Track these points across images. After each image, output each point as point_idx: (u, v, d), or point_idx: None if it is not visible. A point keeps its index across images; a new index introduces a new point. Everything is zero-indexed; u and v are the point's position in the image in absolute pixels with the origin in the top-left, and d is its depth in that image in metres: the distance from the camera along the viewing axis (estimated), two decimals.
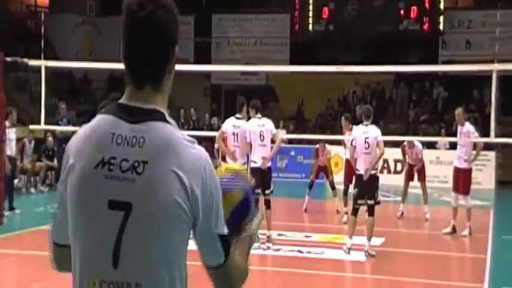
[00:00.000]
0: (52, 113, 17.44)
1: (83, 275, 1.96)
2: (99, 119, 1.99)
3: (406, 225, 13.34)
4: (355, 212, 9.92)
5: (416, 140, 15.27)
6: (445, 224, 12.22)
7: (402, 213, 13.63)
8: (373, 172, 9.83)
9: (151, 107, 1.97)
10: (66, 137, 16.32)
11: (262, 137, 10.17)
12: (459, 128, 12.08)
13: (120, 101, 2.01)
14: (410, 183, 13.80)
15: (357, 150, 9.91)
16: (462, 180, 11.95)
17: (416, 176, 13.72)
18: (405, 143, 13.75)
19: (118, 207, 1.90)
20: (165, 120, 1.97)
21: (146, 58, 2.00)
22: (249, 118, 10.50)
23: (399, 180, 19.70)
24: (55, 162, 17.25)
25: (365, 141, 9.81)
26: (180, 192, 1.90)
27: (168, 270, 1.96)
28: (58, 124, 15.64)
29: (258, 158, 10.14)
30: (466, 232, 11.78)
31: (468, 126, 11.88)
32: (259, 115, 10.39)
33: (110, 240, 1.91)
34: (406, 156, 13.84)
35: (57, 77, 24.49)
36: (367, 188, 9.79)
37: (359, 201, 9.87)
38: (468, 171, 12.01)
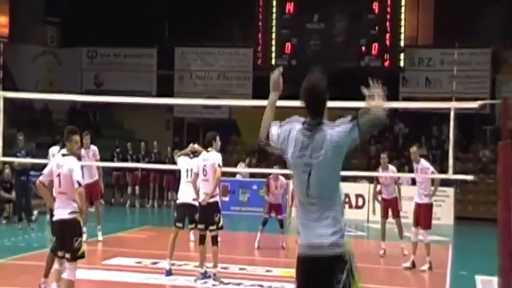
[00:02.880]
0: (11, 144, 17.17)
1: (300, 195, 4.33)
2: (296, 119, 4.51)
3: (365, 260, 13.34)
4: None
5: (378, 174, 15.46)
6: (405, 259, 12.29)
7: (384, 251, 13.52)
8: None
9: (320, 121, 4.38)
10: (24, 169, 16.04)
11: (205, 172, 10.02)
12: (415, 165, 12.31)
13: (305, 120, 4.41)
14: (374, 219, 13.79)
15: None
16: (423, 215, 12.13)
17: (390, 212, 13.61)
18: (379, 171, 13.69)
19: (308, 165, 4.27)
20: (325, 125, 4.36)
21: (316, 107, 4.46)
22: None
23: (360, 214, 19.94)
24: (13, 194, 16.91)
25: None
26: (335, 151, 4.28)
27: (333, 193, 4.29)
28: (16, 156, 15.38)
29: (200, 193, 10.04)
30: (425, 267, 11.88)
31: (423, 163, 12.14)
32: (209, 148, 10.22)
33: (305, 181, 4.29)
34: (380, 189, 13.75)
35: (17, 108, 24.20)
36: None
37: None
38: (429, 206, 12.22)
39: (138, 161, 22.34)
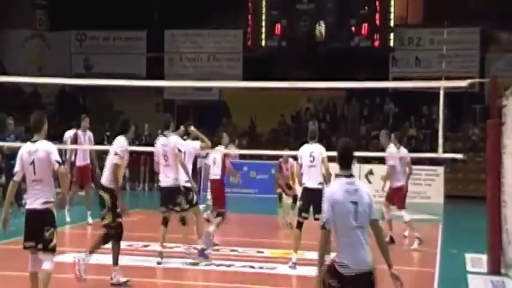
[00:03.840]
0: (1, 128, 17.07)
1: (346, 227, 5.29)
2: (337, 183, 5.45)
3: None
4: (299, 225, 9.99)
5: (368, 154, 15.56)
6: (398, 240, 12.39)
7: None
8: (319, 186, 9.94)
9: (352, 173, 5.50)
10: (14, 153, 15.94)
11: (166, 157, 10.13)
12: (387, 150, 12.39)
13: (340, 173, 5.48)
14: None
15: (303, 165, 10.10)
16: (396, 196, 12.29)
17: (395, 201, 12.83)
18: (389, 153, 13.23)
19: (354, 203, 5.32)
20: (354, 176, 5.53)
21: (350, 160, 5.56)
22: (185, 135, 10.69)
23: None
24: (3, 178, 16.85)
25: (310, 155, 10.05)
26: (369, 198, 5.42)
27: (370, 220, 5.43)
28: (5, 140, 15.33)
29: (163, 177, 10.21)
30: (415, 245, 11.96)
31: (390, 150, 12.23)
32: (166, 132, 10.30)
33: (352, 213, 5.30)
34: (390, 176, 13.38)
35: (6, 92, 24.07)
36: (312, 202, 9.87)
37: (303, 214, 9.97)
38: (401, 187, 12.34)
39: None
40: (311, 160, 10.02)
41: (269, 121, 26.77)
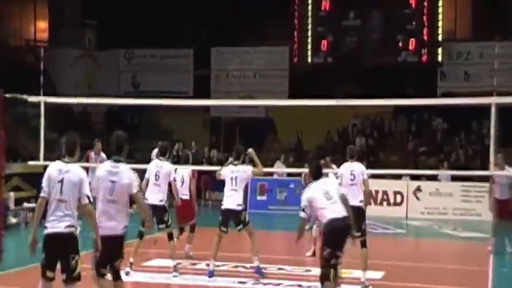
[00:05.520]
0: (53, 148, 17.40)
1: (103, 199, 7.26)
2: (105, 163, 7.59)
3: (406, 258, 13.23)
4: None
5: (417, 172, 15.33)
6: (448, 257, 12.19)
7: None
8: (360, 204, 9.88)
9: (121, 158, 7.45)
10: None
11: (157, 177, 10.72)
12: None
13: (113, 157, 7.43)
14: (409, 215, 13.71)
15: (344, 184, 9.94)
16: None
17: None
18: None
19: (112, 181, 7.20)
20: (122, 161, 7.42)
21: (121, 148, 7.50)
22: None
23: (399, 212, 19.76)
24: None
25: (351, 173, 10.03)
26: (129, 180, 7.26)
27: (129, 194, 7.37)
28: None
29: (149, 195, 10.62)
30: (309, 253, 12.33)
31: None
32: (161, 157, 11.02)
33: (109, 189, 7.22)
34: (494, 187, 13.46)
35: (57, 111, 24.55)
36: (353, 219, 9.77)
37: None
38: None
39: (177, 161, 22.42)
40: (352, 178, 10.01)
41: (315, 137, 26.68)
